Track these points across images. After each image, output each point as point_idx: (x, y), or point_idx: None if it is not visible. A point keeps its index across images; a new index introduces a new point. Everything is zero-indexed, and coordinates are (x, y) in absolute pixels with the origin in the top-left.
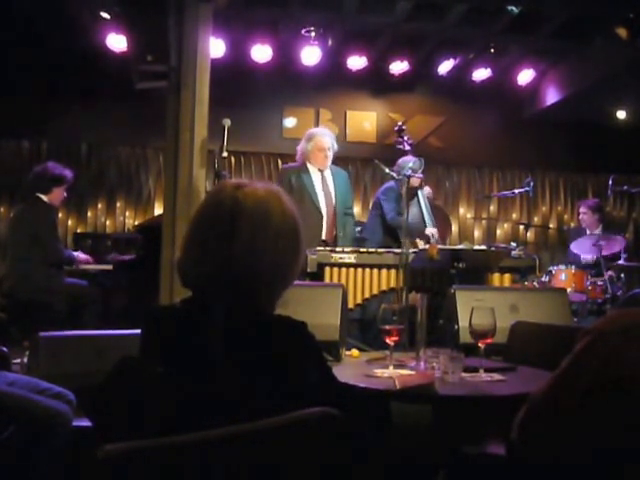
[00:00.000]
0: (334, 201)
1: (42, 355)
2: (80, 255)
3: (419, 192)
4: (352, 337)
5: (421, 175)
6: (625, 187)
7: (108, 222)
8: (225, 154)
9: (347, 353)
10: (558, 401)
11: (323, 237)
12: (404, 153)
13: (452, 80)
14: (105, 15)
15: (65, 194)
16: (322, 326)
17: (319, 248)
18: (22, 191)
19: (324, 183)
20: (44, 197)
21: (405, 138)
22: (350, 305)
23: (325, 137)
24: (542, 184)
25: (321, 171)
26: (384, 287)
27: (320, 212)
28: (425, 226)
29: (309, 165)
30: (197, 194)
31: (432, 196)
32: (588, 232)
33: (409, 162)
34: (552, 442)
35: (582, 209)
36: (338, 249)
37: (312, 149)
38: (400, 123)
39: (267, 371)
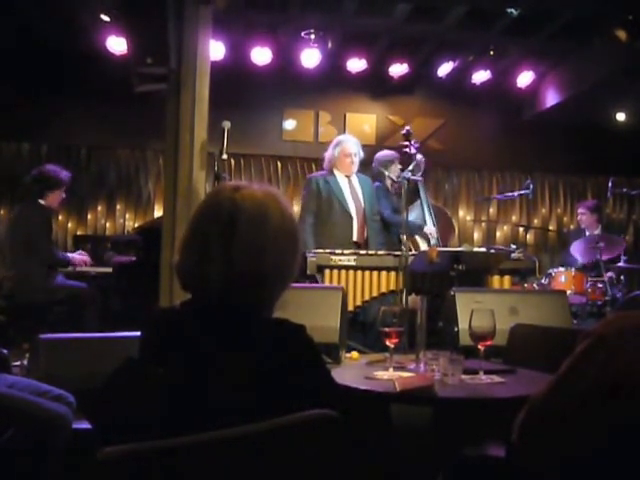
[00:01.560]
0: (363, 204)
1: (42, 357)
2: (76, 256)
3: (420, 192)
4: (352, 339)
5: (420, 178)
6: (625, 189)
7: (108, 224)
8: (225, 156)
9: (347, 355)
10: (558, 403)
11: (354, 239)
12: (410, 156)
13: (452, 82)
14: (105, 18)
15: (64, 195)
16: (322, 328)
17: (347, 251)
18: (19, 193)
19: (351, 187)
20: (41, 200)
21: (412, 142)
22: (350, 307)
23: (351, 143)
24: (542, 186)
25: (348, 177)
26: (384, 289)
27: (350, 215)
28: (426, 224)
29: (336, 171)
30: (197, 196)
31: (423, 165)
32: (587, 233)
33: (388, 156)
34: (552, 444)
35: (580, 210)
36: (337, 251)
37: (339, 155)
38: (408, 127)
39: (266, 373)
